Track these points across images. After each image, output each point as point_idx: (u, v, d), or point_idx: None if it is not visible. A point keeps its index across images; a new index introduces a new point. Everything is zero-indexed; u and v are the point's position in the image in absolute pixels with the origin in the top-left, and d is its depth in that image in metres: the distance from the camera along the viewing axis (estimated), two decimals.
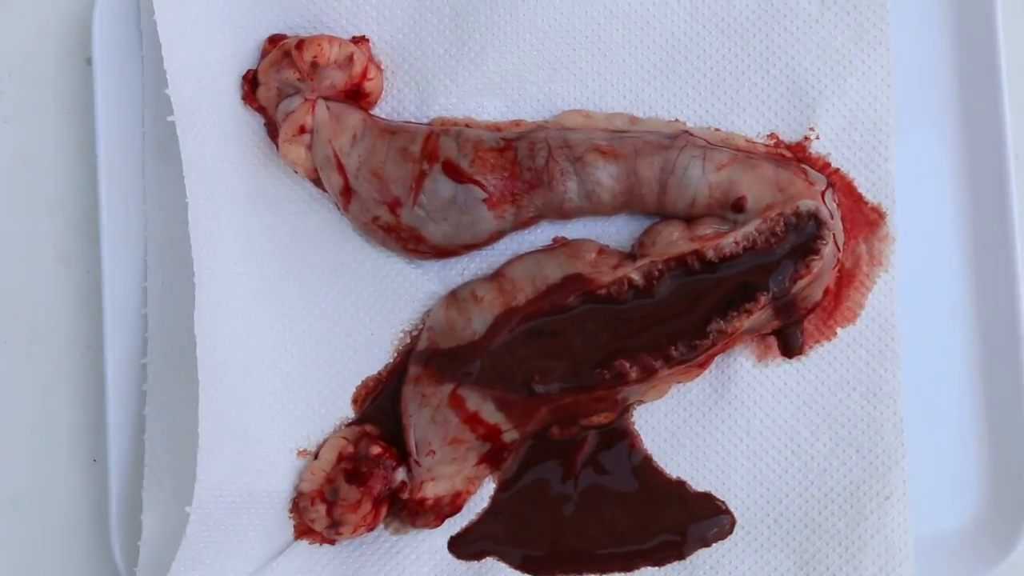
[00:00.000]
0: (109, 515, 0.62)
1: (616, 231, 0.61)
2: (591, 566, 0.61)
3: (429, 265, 0.62)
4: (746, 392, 0.61)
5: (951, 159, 0.62)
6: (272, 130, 0.61)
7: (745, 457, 0.61)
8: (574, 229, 0.62)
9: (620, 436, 0.61)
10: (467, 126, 0.61)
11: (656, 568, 0.60)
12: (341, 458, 0.60)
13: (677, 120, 0.61)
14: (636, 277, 0.58)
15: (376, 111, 0.62)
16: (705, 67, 0.61)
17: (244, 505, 0.59)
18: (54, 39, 0.65)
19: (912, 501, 0.59)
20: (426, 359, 0.60)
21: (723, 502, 0.61)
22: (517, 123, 0.61)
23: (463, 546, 0.61)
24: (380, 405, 0.62)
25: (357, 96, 0.61)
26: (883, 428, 0.60)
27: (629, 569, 0.61)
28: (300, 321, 0.61)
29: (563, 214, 0.60)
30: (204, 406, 0.57)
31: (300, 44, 0.59)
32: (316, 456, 0.61)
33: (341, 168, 0.60)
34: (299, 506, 0.61)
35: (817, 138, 0.61)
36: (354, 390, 0.62)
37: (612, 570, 0.61)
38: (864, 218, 0.60)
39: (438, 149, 0.59)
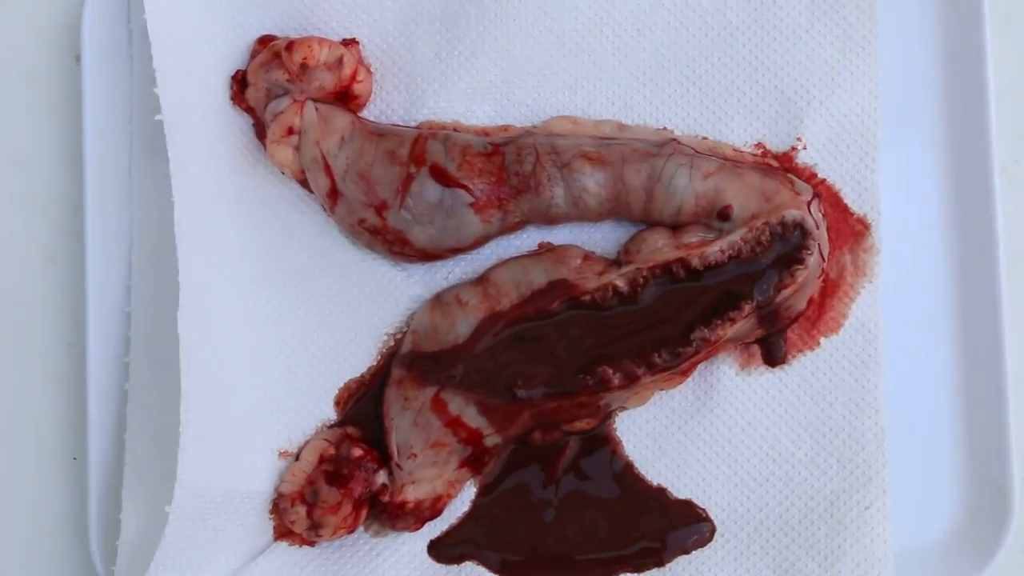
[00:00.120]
0: (88, 514, 0.62)
1: (602, 237, 0.61)
2: (571, 572, 0.61)
3: (414, 268, 0.62)
4: (728, 400, 0.61)
5: (937, 172, 0.62)
6: (260, 131, 0.61)
7: (726, 465, 0.61)
8: (560, 235, 0.62)
9: (602, 442, 0.61)
10: (455, 130, 0.61)
11: (635, 575, 0.60)
12: (322, 460, 0.60)
13: (665, 128, 0.61)
14: (621, 284, 0.58)
15: (365, 113, 0.62)
16: (694, 76, 0.61)
17: (224, 506, 0.59)
18: (43, 37, 0.65)
19: (892, 511, 0.59)
20: (409, 362, 0.60)
21: (703, 510, 0.61)
22: (505, 128, 0.61)
23: (443, 550, 0.61)
24: (362, 407, 0.61)
25: (346, 98, 0.61)
26: (864, 438, 0.60)
27: (608, 575, 0.61)
28: (284, 322, 0.61)
29: (549, 220, 0.60)
30: (186, 406, 0.57)
31: (290, 45, 0.59)
32: (297, 457, 0.61)
33: (328, 170, 0.59)
34: (279, 507, 0.60)
35: (804, 148, 0.61)
36: (337, 392, 0.62)
37: None
38: (849, 229, 0.60)
39: (426, 153, 0.59)
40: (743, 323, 0.58)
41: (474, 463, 0.61)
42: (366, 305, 0.62)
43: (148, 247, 0.62)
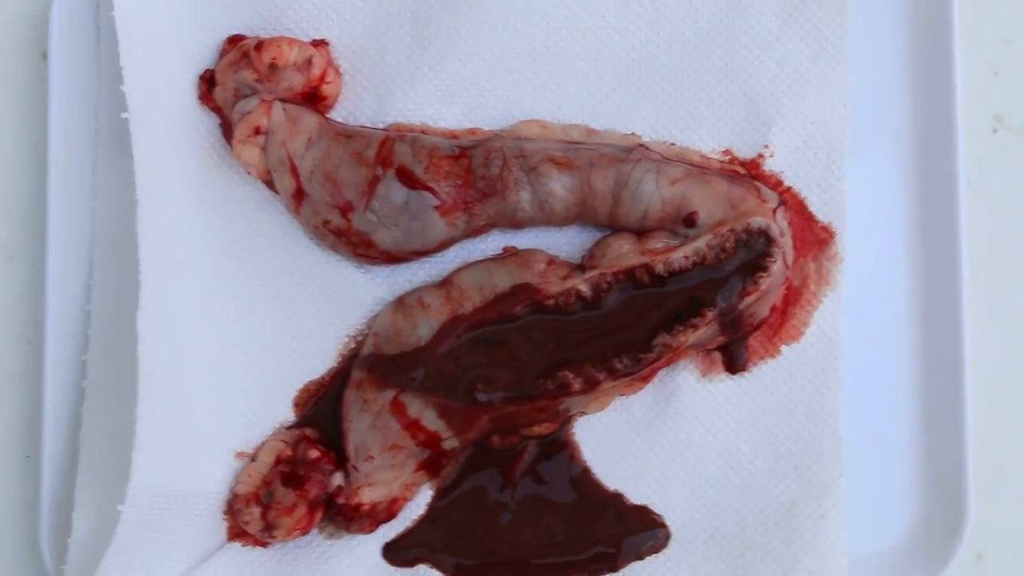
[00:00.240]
0: (40, 512, 0.61)
1: (567, 242, 0.61)
2: (526, 575, 0.60)
3: (378, 271, 0.61)
4: (688, 407, 0.60)
5: (903, 181, 0.62)
6: (227, 130, 0.61)
7: (684, 472, 0.60)
8: (525, 239, 0.61)
9: (560, 447, 0.61)
10: (423, 133, 0.61)
11: None
12: (279, 461, 0.60)
13: (633, 133, 0.61)
14: (584, 288, 0.58)
15: (333, 115, 0.61)
16: (663, 82, 0.61)
17: (178, 505, 0.59)
18: (10, 33, 0.65)
19: (847, 519, 0.59)
20: (370, 364, 0.60)
21: (659, 516, 0.60)
22: (473, 131, 0.61)
23: (397, 552, 0.61)
24: (321, 409, 0.61)
25: (314, 99, 0.61)
26: (823, 447, 0.59)
27: None
28: (245, 323, 0.61)
29: (515, 223, 0.60)
30: (143, 405, 0.57)
31: (259, 45, 0.59)
32: (254, 458, 0.61)
33: (294, 170, 0.59)
34: (234, 508, 0.60)
35: (771, 156, 0.61)
36: (296, 393, 0.61)
37: None
38: (814, 237, 0.60)
39: (393, 155, 0.59)
40: (705, 330, 0.58)
41: (431, 466, 0.60)
42: (328, 306, 0.61)
43: (110, 245, 0.62)
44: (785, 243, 0.59)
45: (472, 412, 0.59)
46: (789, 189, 0.61)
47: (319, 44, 0.61)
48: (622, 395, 0.60)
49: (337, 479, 0.60)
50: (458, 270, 0.61)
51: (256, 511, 0.59)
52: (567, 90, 0.61)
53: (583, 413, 0.60)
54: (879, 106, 0.62)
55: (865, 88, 0.62)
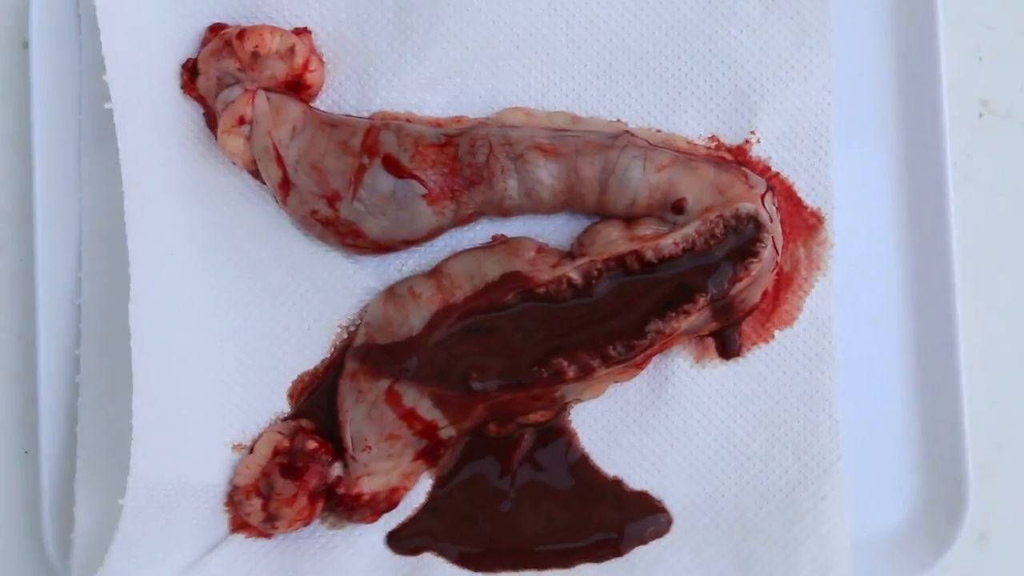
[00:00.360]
0: (41, 508, 0.60)
1: (556, 230, 0.60)
2: (529, 563, 0.60)
3: (367, 260, 0.60)
4: (683, 393, 0.60)
5: (890, 165, 0.61)
6: (211, 120, 0.60)
7: (682, 457, 0.60)
8: (514, 227, 0.60)
9: (557, 434, 0.60)
10: (408, 121, 0.59)
11: (594, 565, 0.59)
12: (276, 452, 0.59)
13: (619, 120, 0.60)
14: (575, 276, 0.57)
15: (317, 103, 0.60)
16: (648, 68, 0.60)
17: (178, 498, 0.58)
18: None
19: (848, 501, 0.59)
20: (363, 355, 0.59)
21: (660, 501, 0.60)
22: (459, 119, 0.60)
23: (400, 541, 0.60)
24: (316, 400, 0.60)
25: (298, 88, 0.59)
26: (819, 430, 0.59)
27: (567, 566, 0.60)
28: (236, 314, 0.60)
29: (503, 211, 0.59)
30: (138, 398, 0.56)
31: (241, 34, 0.58)
32: (251, 450, 0.60)
33: (280, 160, 0.58)
34: (234, 500, 0.59)
35: (758, 141, 0.60)
36: (290, 385, 0.60)
37: (550, 567, 0.60)
38: (803, 222, 0.60)
39: (378, 143, 0.58)
40: (697, 316, 0.57)
41: (429, 455, 0.60)
42: (319, 297, 0.60)
43: (98, 237, 0.61)
44: (774, 229, 0.58)
45: (467, 401, 0.58)
46: (777, 175, 0.60)
47: (301, 32, 0.59)
48: (617, 382, 0.59)
49: (336, 469, 0.59)
50: (448, 259, 0.60)
51: (257, 503, 0.58)
52: (551, 77, 0.60)
53: (579, 400, 0.60)
54: (865, 91, 0.61)
55: (850, 73, 0.61)
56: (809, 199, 0.59)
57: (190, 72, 0.59)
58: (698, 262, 0.57)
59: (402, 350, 0.58)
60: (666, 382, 0.59)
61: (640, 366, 0.58)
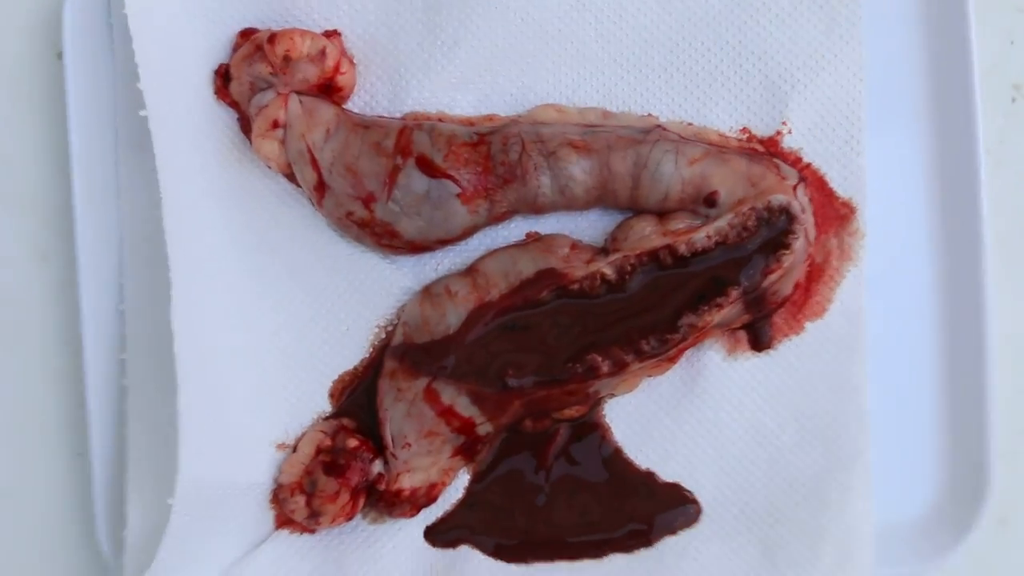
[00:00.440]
0: (94, 507, 0.61)
1: (589, 226, 0.60)
2: (562, 554, 0.60)
3: (403, 260, 0.60)
4: (715, 385, 0.59)
5: (922, 155, 0.61)
6: (245, 125, 0.59)
7: (713, 449, 0.60)
8: (547, 224, 0.60)
9: (591, 429, 0.60)
10: (440, 120, 0.59)
11: (625, 555, 0.59)
12: (319, 451, 0.59)
13: (650, 115, 0.59)
14: (609, 272, 0.57)
15: (349, 105, 0.59)
16: (678, 61, 0.59)
17: (225, 497, 0.58)
18: (23, 33, 0.63)
19: (874, 489, 0.58)
20: (401, 354, 0.59)
21: (690, 492, 0.60)
22: (490, 118, 0.59)
23: (439, 535, 0.60)
24: (356, 399, 0.60)
25: (330, 90, 0.58)
26: (848, 421, 0.58)
27: (599, 556, 0.60)
28: (276, 316, 0.60)
29: (536, 209, 0.58)
30: (183, 400, 0.56)
31: (272, 38, 0.57)
32: (295, 449, 0.60)
33: (314, 163, 0.57)
34: (279, 497, 0.59)
35: (789, 133, 0.59)
36: (331, 384, 0.60)
37: (582, 558, 0.60)
38: (835, 213, 0.59)
39: (411, 144, 0.57)
40: (730, 309, 0.57)
41: (467, 451, 0.59)
42: (357, 298, 0.60)
43: (138, 243, 0.61)
44: (807, 220, 0.57)
45: (504, 397, 0.57)
46: (808, 166, 0.59)
47: (331, 35, 0.59)
48: (650, 376, 0.59)
49: (377, 466, 0.59)
50: (482, 257, 0.59)
51: (301, 500, 0.58)
52: (581, 72, 0.59)
53: (612, 395, 0.59)
54: (896, 79, 0.60)
55: (881, 62, 0.60)
56: (841, 189, 0.58)
57: (223, 77, 0.58)
58: (731, 255, 0.56)
59: (439, 349, 0.57)
60: (698, 375, 0.59)
61: (673, 360, 0.58)
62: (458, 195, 0.57)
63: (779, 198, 0.56)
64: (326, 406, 0.60)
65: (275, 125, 0.57)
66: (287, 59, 0.56)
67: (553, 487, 0.59)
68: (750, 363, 0.59)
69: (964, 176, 0.59)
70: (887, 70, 0.60)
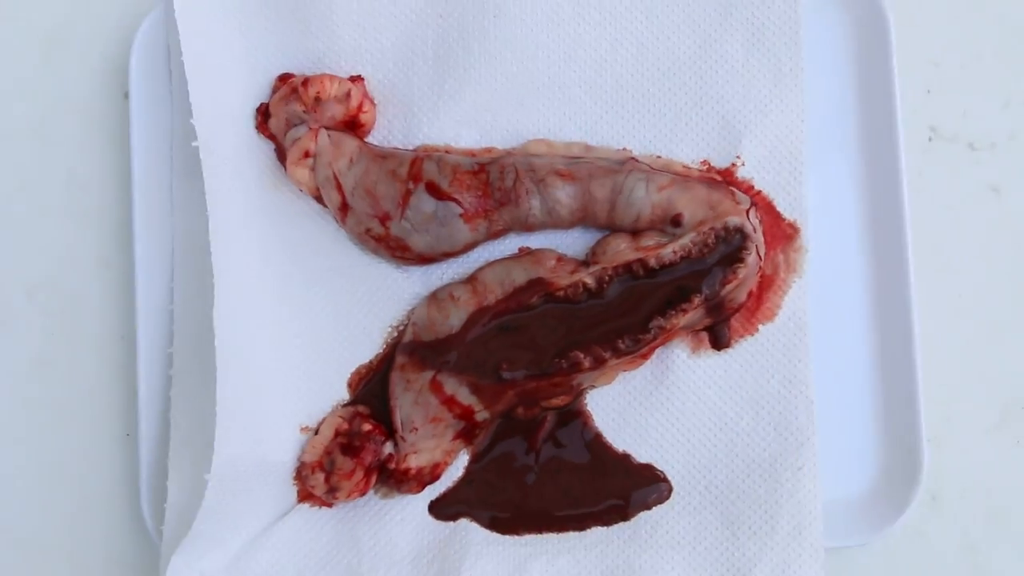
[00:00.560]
0: (140, 481, 0.61)
1: (572, 242, 0.61)
2: (550, 526, 0.60)
3: (413, 270, 0.61)
4: (682, 379, 0.60)
5: (855, 184, 0.62)
6: (281, 154, 0.61)
7: (680, 434, 0.60)
8: (537, 240, 0.61)
9: (575, 416, 0.61)
10: (447, 152, 0.60)
11: (604, 528, 0.60)
12: (337, 434, 0.60)
13: (625, 148, 0.61)
14: (590, 281, 0.58)
15: (369, 139, 0.61)
16: (649, 104, 0.61)
17: (255, 473, 0.59)
18: (97, 76, 0.65)
19: (821, 470, 0.59)
20: (410, 350, 0.60)
21: (662, 472, 0.60)
22: (489, 150, 0.61)
23: (441, 509, 0.61)
24: (371, 389, 0.61)
25: (354, 126, 0.60)
26: (797, 409, 0.59)
27: (581, 528, 0.60)
28: (303, 317, 0.61)
29: (528, 227, 0.60)
30: (221, 389, 0.57)
31: (306, 82, 0.59)
32: (316, 432, 0.60)
33: (339, 187, 0.59)
34: (302, 474, 0.60)
35: (743, 165, 0.60)
36: (349, 376, 0.61)
37: (567, 529, 0.60)
38: (782, 232, 0.60)
39: (422, 171, 0.59)
40: (693, 313, 0.58)
41: (467, 435, 0.60)
42: (373, 302, 0.61)
43: (188, 254, 0.62)
44: (758, 238, 0.59)
45: (499, 388, 0.58)
46: (759, 192, 0.60)
47: (356, 79, 0.60)
48: (625, 371, 0.60)
49: (388, 448, 0.60)
50: (481, 268, 0.60)
51: (320, 477, 0.59)
52: (567, 113, 0.61)
53: (593, 387, 0.60)
54: (832, 121, 0.62)
55: (820, 106, 0.61)
56: (786, 212, 0.60)
57: (263, 115, 0.60)
58: (693, 268, 0.57)
59: (444, 346, 0.59)
60: (667, 370, 0.60)
61: (645, 357, 0.59)
62: (461, 215, 0.58)
63: (734, 220, 0.57)
64: (344, 395, 0.61)
65: (306, 155, 0.59)
66: (318, 100, 0.58)
67: (541, 467, 0.60)
68: (711, 360, 0.60)
69: (890, 201, 0.60)
70: (825, 113, 0.61)
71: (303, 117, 0.59)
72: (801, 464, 0.59)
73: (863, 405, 0.61)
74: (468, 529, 0.60)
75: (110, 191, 0.64)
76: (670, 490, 0.60)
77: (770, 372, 0.60)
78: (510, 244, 0.61)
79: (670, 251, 0.58)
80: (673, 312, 0.57)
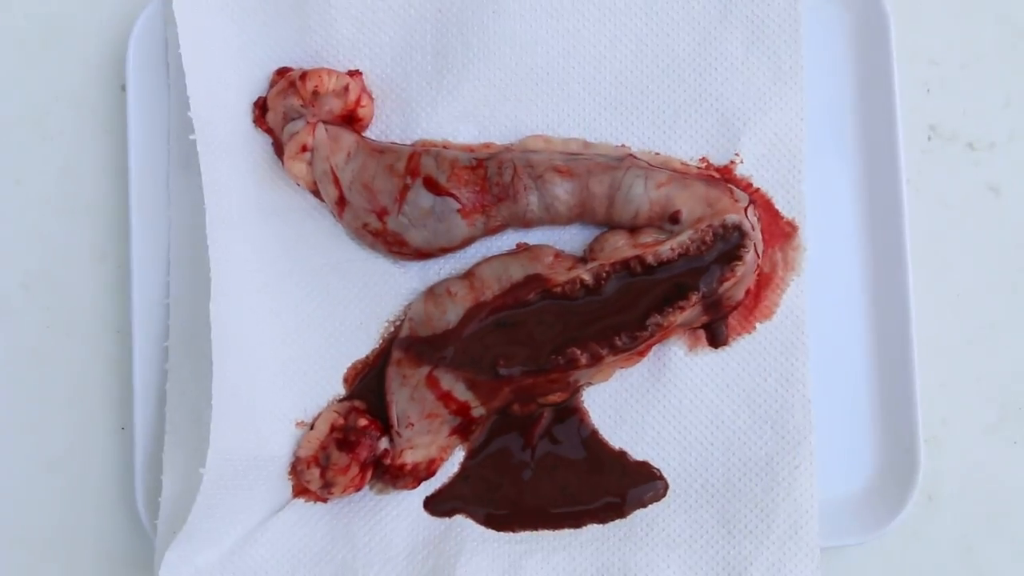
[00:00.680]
0: (135, 475, 0.61)
1: (570, 238, 0.61)
2: (545, 523, 0.60)
3: (411, 265, 0.61)
4: (679, 377, 0.60)
5: (854, 182, 0.61)
6: (278, 148, 0.60)
7: (677, 432, 0.60)
8: (535, 236, 0.61)
9: (571, 412, 0.60)
10: (445, 147, 0.60)
11: (600, 525, 0.59)
12: (333, 429, 0.59)
13: (623, 145, 0.60)
14: (587, 277, 0.58)
15: (367, 134, 0.61)
16: (648, 101, 0.60)
17: (250, 468, 0.58)
18: (93, 69, 0.64)
19: (817, 469, 0.59)
20: (407, 345, 0.59)
21: (658, 469, 0.60)
22: (487, 145, 0.60)
23: (436, 505, 0.60)
24: (367, 384, 0.60)
25: (351, 120, 0.60)
26: (794, 408, 0.59)
27: (577, 526, 0.60)
28: (300, 311, 0.60)
29: (525, 223, 0.59)
30: (217, 383, 0.56)
31: (303, 76, 0.59)
32: (312, 427, 0.60)
33: (337, 182, 0.59)
34: (297, 469, 0.60)
35: (742, 162, 0.60)
36: (345, 371, 0.61)
37: (563, 526, 0.60)
38: (780, 230, 0.60)
39: (420, 166, 0.58)
40: (691, 311, 0.58)
41: (463, 431, 0.60)
42: (370, 297, 0.61)
43: (184, 247, 0.61)
44: (756, 236, 0.59)
45: (495, 384, 0.58)
46: (758, 190, 0.60)
47: (354, 74, 0.60)
48: (622, 368, 0.60)
49: (383, 443, 0.59)
50: (479, 263, 0.60)
51: (316, 472, 0.59)
52: (565, 109, 0.60)
53: (590, 383, 0.60)
54: (832, 119, 0.62)
55: (819, 104, 0.61)
56: (785, 211, 0.59)
57: (260, 108, 0.60)
58: (691, 265, 0.57)
59: (440, 341, 0.58)
60: (664, 368, 0.60)
61: (642, 354, 0.59)
62: (459, 210, 0.58)
63: (732, 217, 0.57)
64: (340, 390, 0.60)
65: (304, 149, 0.58)
66: (315, 94, 0.58)
67: (538, 463, 0.59)
68: (708, 357, 0.59)
69: (889, 200, 0.60)
70: (824, 111, 0.61)
71: (301, 111, 0.59)
72: (798, 463, 0.58)
73: (860, 404, 0.61)
74: (463, 525, 0.60)
75: (106, 184, 0.64)
76: (666, 488, 0.60)
77: (767, 370, 0.59)
78: (508, 240, 0.61)
79: (668, 248, 0.57)
80: (670, 309, 0.57)
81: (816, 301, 0.60)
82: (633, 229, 0.59)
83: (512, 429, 0.60)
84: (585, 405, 0.60)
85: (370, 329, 0.60)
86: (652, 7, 0.60)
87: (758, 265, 0.59)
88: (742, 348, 0.60)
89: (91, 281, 0.64)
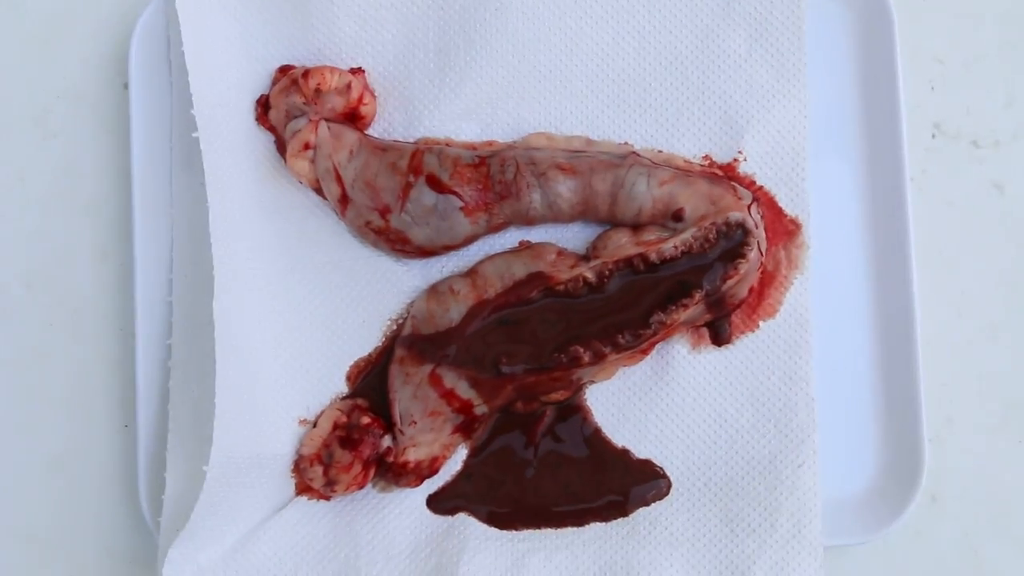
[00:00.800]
0: (138, 473, 0.61)
1: (573, 236, 0.60)
2: (548, 521, 0.59)
3: (413, 263, 0.61)
4: (682, 375, 0.60)
5: (858, 180, 0.61)
6: (281, 146, 0.60)
7: (680, 430, 0.60)
8: (537, 234, 0.61)
9: (574, 411, 0.60)
10: (447, 145, 0.60)
11: (603, 523, 0.59)
12: (336, 427, 0.59)
13: (626, 143, 0.60)
14: (590, 275, 0.57)
15: (370, 131, 0.61)
16: (651, 98, 0.60)
17: (253, 466, 0.58)
18: (96, 67, 0.64)
19: (820, 468, 0.58)
20: (409, 343, 0.59)
21: (661, 468, 0.59)
22: (490, 143, 0.60)
23: (439, 503, 0.60)
24: (370, 382, 0.60)
25: (354, 118, 0.60)
26: (797, 406, 0.59)
27: (580, 524, 0.59)
28: (303, 309, 0.60)
29: (528, 221, 0.59)
30: (220, 381, 0.56)
31: (306, 73, 0.58)
32: (315, 425, 0.60)
33: (339, 179, 0.59)
34: (300, 467, 0.59)
35: (745, 160, 0.60)
36: (348, 369, 0.60)
37: (566, 525, 0.59)
38: (783, 228, 0.59)
39: (422, 164, 0.58)
40: (694, 309, 0.58)
41: (465, 429, 0.60)
42: (372, 295, 0.60)
43: (187, 246, 0.61)
44: (759, 234, 0.58)
45: (498, 382, 0.58)
46: (761, 188, 0.60)
47: (356, 71, 0.60)
48: (625, 366, 0.59)
49: (386, 441, 0.59)
50: (481, 261, 0.60)
51: (319, 469, 0.58)
52: (568, 106, 0.60)
53: (592, 382, 0.60)
54: (835, 116, 0.61)
55: (823, 102, 0.61)
56: (788, 208, 0.59)
57: (263, 106, 0.60)
58: (694, 263, 0.57)
59: (443, 339, 0.58)
60: (667, 366, 0.59)
61: (645, 352, 0.59)
62: (461, 208, 0.57)
63: (736, 215, 0.57)
64: (343, 388, 0.60)
65: (306, 147, 0.58)
66: (318, 91, 0.58)
67: (540, 462, 0.59)
68: (712, 356, 0.59)
69: (893, 198, 0.59)
70: (828, 108, 0.60)
71: (303, 109, 0.59)
72: (801, 462, 0.58)
73: (864, 403, 0.60)
74: (466, 523, 0.59)
75: (109, 182, 0.64)
76: (669, 486, 0.59)
77: (771, 369, 0.59)
78: (510, 238, 0.61)
79: (671, 246, 0.57)
80: (674, 307, 0.57)
81: (820, 299, 0.60)
82: (636, 227, 0.58)
83: (515, 427, 0.60)
84: (588, 403, 0.60)
85: (373, 327, 0.60)
86: (655, 5, 0.59)
87: (761, 263, 0.59)
88: (745, 346, 0.59)
89: (94, 279, 0.63)
